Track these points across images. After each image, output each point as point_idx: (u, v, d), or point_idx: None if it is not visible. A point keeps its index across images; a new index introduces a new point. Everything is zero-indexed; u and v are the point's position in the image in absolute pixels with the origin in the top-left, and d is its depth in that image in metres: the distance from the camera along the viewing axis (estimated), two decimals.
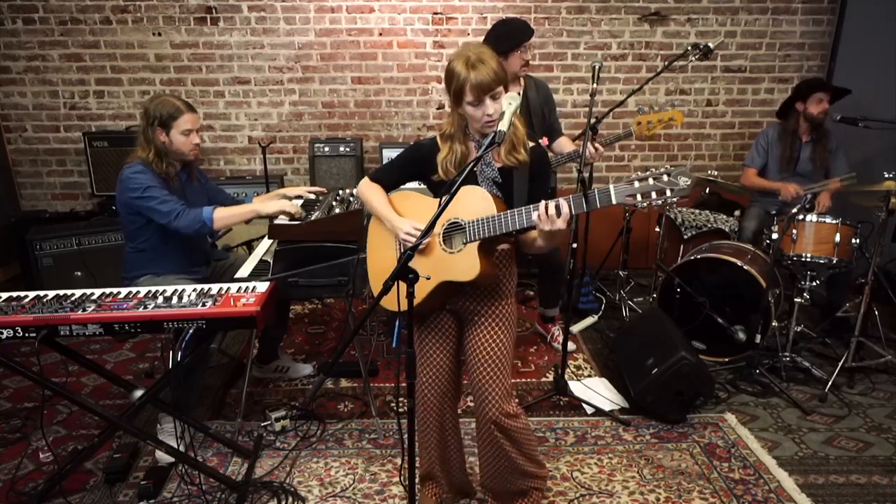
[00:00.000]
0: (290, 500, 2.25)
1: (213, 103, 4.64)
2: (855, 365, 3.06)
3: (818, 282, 3.14)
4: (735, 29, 4.64)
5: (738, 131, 4.87)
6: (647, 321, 3.21)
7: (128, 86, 4.57)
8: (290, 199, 2.80)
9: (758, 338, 3.06)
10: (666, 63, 3.34)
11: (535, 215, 1.68)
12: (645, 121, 3.15)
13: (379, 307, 1.81)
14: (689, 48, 3.21)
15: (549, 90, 3.29)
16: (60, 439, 2.65)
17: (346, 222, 2.52)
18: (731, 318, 3.21)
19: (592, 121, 2.87)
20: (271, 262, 2.58)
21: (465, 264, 1.79)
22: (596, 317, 3.85)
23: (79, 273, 3.78)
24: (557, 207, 1.65)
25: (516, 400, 1.98)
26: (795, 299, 3.10)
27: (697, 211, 4.03)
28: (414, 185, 2.08)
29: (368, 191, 1.99)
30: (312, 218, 2.54)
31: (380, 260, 2.02)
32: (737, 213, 3.93)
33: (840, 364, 2.99)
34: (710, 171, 3.47)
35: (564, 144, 3.28)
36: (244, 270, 2.65)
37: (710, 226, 3.90)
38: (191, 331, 2.05)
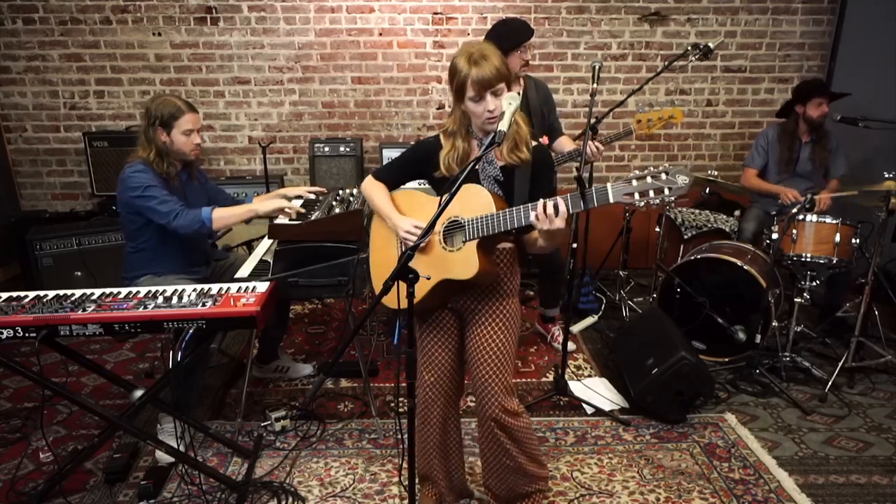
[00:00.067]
0: (290, 500, 2.25)
1: (213, 103, 4.64)
2: (855, 365, 3.06)
3: (818, 282, 3.14)
4: (735, 29, 4.64)
5: (738, 131, 4.87)
6: (647, 321, 3.21)
7: (128, 86, 4.58)
8: (290, 199, 2.80)
9: (758, 338, 3.06)
10: (666, 63, 3.34)
11: (532, 214, 1.68)
12: (645, 119, 3.15)
13: (380, 306, 1.82)
14: (689, 48, 3.21)
15: (548, 90, 3.29)
16: (60, 439, 2.65)
17: (346, 222, 2.53)
18: (731, 318, 3.21)
19: (592, 121, 2.87)
20: (271, 262, 2.58)
21: (464, 263, 1.79)
22: (596, 317, 3.85)
23: (79, 273, 3.79)
24: (555, 206, 1.65)
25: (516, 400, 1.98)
26: (795, 299, 3.10)
27: (697, 211, 4.03)
28: (414, 184, 2.09)
29: (371, 189, 2.00)
30: (312, 218, 2.54)
31: (382, 258, 2.03)
32: (737, 213, 3.93)
33: (840, 364, 2.99)
34: (710, 171, 3.47)
35: (565, 144, 3.28)
36: (244, 270, 2.65)
37: (710, 226, 3.90)
38: (191, 331, 2.05)
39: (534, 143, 1.87)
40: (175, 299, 2.13)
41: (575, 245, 2.82)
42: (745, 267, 3.08)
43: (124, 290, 2.24)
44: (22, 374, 2.10)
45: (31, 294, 2.18)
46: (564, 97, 4.71)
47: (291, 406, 2.85)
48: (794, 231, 3.06)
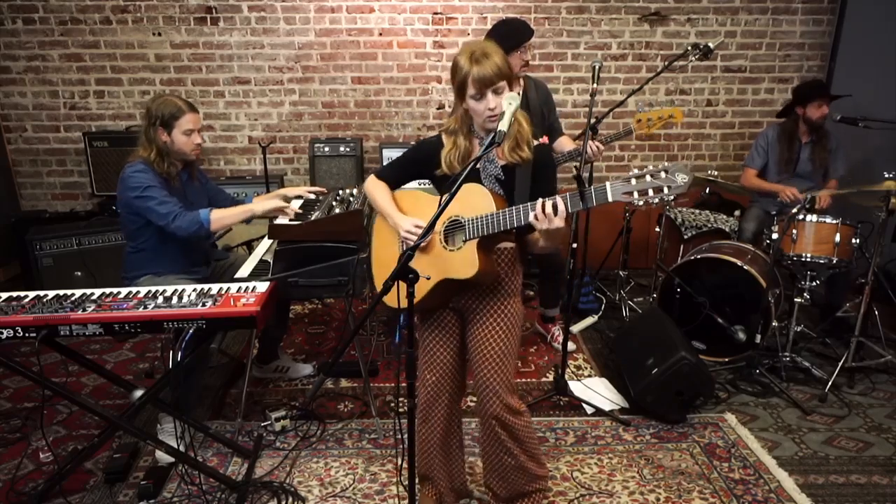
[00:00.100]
0: (290, 500, 2.25)
1: (213, 103, 4.64)
2: (855, 365, 3.06)
3: (818, 282, 3.14)
4: (735, 29, 4.64)
5: (738, 131, 4.87)
6: (647, 321, 3.21)
7: (128, 86, 4.58)
8: (290, 199, 2.81)
9: (758, 338, 3.06)
10: (666, 63, 3.34)
11: (532, 213, 1.68)
12: (645, 118, 3.15)
13: (380, 306, 1.82)
14: (689, 48, 3.21)
15: (548, 90, 3.29)
16: (60, 439, 2.65)
17: (346, 222, 2.53)
18: (731, 318, 3.21)
19: (592, 121, 2.87)
20: (271, 262, 2.58)
21: (464, 262, 1.79)
22: (596, 317, 3.85)
23: (79, 273, 3.79)
24: (554, 205, 1.65)
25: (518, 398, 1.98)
26: (795, 299, 3.10)
27: (697, 211, 4.03)
28: (415, 184, 2.09)
29: (374, 188, 2.01)
30: (312, 218, 2.54)
31: (384, 257, 2.03)
32: (737, 213, 3.93)
33: (840, 364, 2.99)
34: (710, 171, 3.47)
35: (565, 144, 3.28)
36: (244, 270, 2.65)
37: (710, 226, 3.91)
38: (191, 331, 2.05)
39: (535, 143, 1.87)
40: (175, 299, 2.13)
41: (575, 245, 2.82)
42: (745, 267, 3.08)
43: (124, 290, 2.24)
44: (22, 374, 2.10)
45: (31, 294, 2.18)
46: (564, 97, 4.71)
47: (291, 406, 2.85)
48: (794, 231, 3.06)
